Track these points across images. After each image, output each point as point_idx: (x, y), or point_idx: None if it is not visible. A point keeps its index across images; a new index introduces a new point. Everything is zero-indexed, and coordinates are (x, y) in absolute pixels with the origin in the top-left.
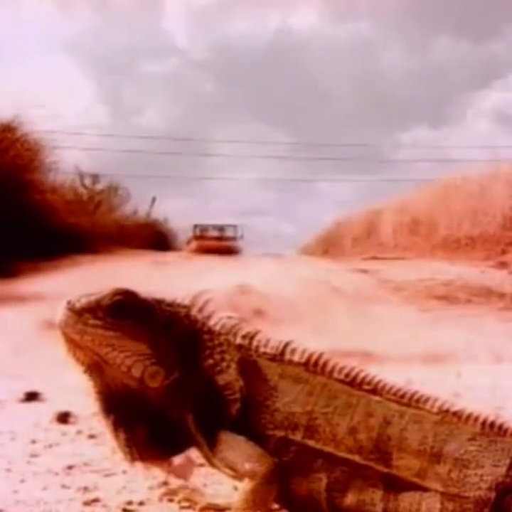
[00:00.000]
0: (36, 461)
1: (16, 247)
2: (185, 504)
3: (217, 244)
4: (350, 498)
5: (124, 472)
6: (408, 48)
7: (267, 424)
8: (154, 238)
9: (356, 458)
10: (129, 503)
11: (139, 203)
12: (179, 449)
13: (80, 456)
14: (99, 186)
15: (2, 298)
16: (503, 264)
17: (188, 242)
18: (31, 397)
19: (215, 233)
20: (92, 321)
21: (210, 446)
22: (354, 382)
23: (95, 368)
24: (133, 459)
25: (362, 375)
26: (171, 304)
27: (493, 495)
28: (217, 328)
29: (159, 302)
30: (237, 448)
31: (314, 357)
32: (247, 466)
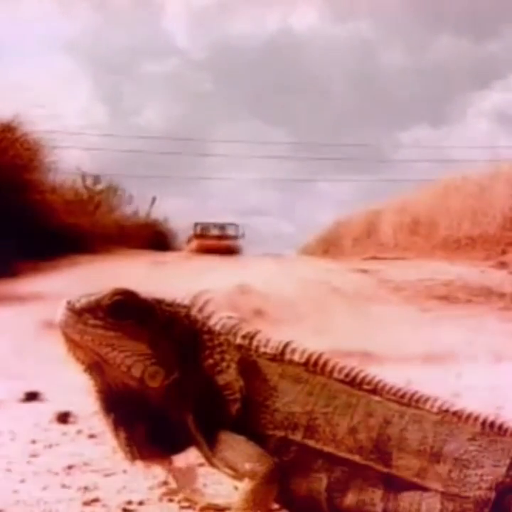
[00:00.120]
0: (36, 461)
1: (16, 247)
2: (185, 504)
3: (219, 243)
4: (350, 498)
5: (124, 472)
6: (408, 48)
7: (267, 424)
8: (154, 238)
9: (356, 458)
10: (129, 503)
11: (139, 203)
12: (179, 448)
13: (80, 456)
14: (99, 186)
15: (2, 298)
16: (503, 264)
17: (189, 241)
18: (31, 397)
19: (216, 232)
20: (92, 321)
21: (210, 446)
22: (354, 382)
23: (96, 367)
24: (133, 458)
25: (362, 375)
26: (170, 304)
27: (493, 495)
28: (217, 328)
29: (159, 302)
30: (237, 448)
31: (314, 357)
32: (247, 466)
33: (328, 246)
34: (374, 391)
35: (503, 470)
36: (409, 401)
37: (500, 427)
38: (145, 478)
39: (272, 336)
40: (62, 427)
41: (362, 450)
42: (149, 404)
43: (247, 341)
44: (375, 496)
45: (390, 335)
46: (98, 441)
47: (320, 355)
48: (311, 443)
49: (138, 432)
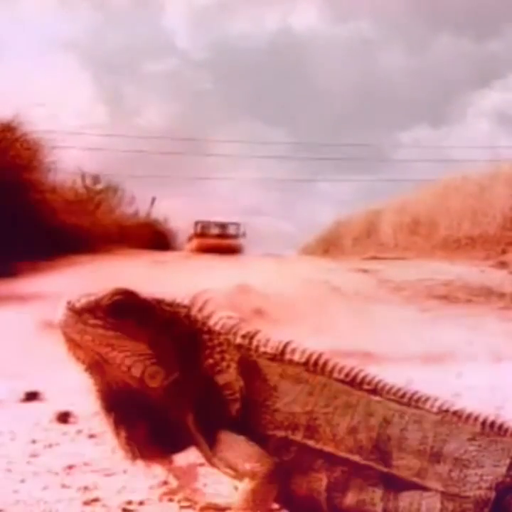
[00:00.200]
0: (36, 461)
1: (16, 247)
2: (185, 504)
3: (219, 242)
4: (350, 498)
5: (124, 472)
6: (408, 48)
7: (267, 424)
8: (154, 238)
9: (356, 458)
10: (129, 502)
11: (139, 203)
12: (180, 447)
13: (80, 456)
14: (99, 186)
15: (2, 298)
16: (503, 264)
17: (189, 240)
18: (31, 397)
19: (216, 231)
20: (91, 321)
21: (211, 446)
22: (354, 382)
23: (96, 367)
24: (134, 457)
25: (362, 375)
26: (170, 304)
27: (493, 495)
28: (217, 328)
29: (159, 302)
30: (237, 448)
31: (314, 357)
32: (248, 466)
33: (328, 246)
34: (374, 391)
35: (503, 470)
36: (409, 401)
37: (500, 427)
38: (145, 478)
39: (271, 335)
40: (62, 427)
41: (362, 450)
42: (150, 403)
43: (247, 341)
44: (375, 495)
45: (390, 335)
46: (98, 441)
47: (320, 355)
48: (311, 443)
49: (138, 432)
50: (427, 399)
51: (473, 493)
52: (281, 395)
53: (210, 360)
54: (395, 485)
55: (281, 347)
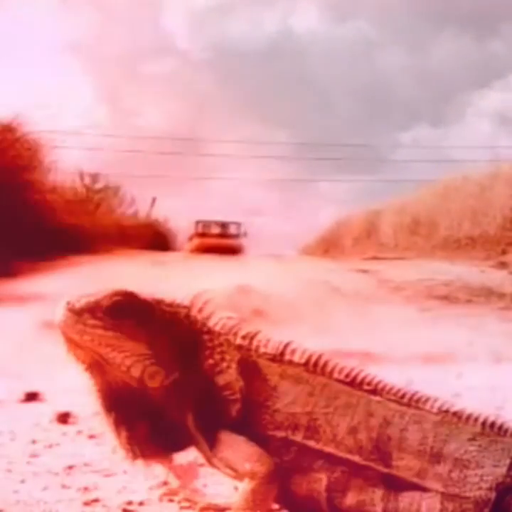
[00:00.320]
0: (36, 461)
1: (16, 247)
2: (185, 504)
3: (221, 241)
4: (350, 498)
5: (124, 472)
6: (408, 48)
7: (267, 424)
8: (154, 238)
9: (356, 458)
10: (129, 503)
11: (139, 203)
12: (180, 446)
13: (80, 456)
14: (99, 185)
15: (2, 298)
16: (503, 264)
17: (190, 239)
18: (31, 397)
19: (217, 230)
20: (91, 321)
21: (210, 446)
22: (354, 383)
23: (96, 367)
24: (134, 457)
25: (362, 375)
26: (170, 304)
27: (493, 495)
28: (217, 328)
29: (159, 302)
30: (237, 448)
31: (314, 357)
32: (248, 466)
33: (328, 246)
34: (374, 391)
35: (503, 470)
36: (409, 401)
37: (500, 427)
38: (145, 479)
39: (272, 336)
40: (63, 427)
41: (362, 450)
42: (150, 403)
43: (247, 341)
44: (375, 496)
45: (390, 335)
46: (98, 441)
47: (320, 356)
48: (311, 443)
49: (139, 431)
50: (427, 399)
51: (474, 493)
52: (281, 395)
53: (210, 361)
54: (395, 485)
55: (281, 347)
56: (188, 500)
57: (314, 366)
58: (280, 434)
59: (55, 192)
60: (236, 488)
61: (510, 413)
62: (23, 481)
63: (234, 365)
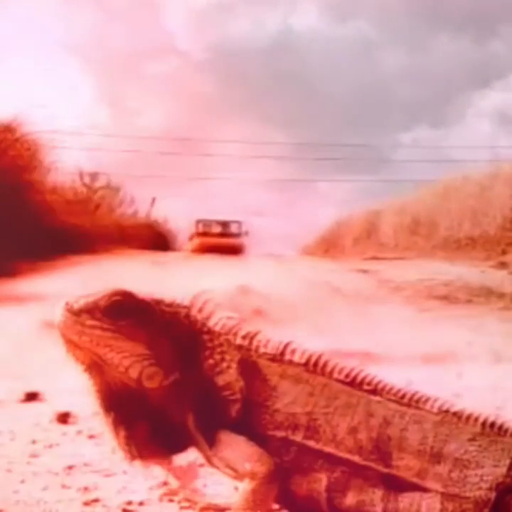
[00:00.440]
0: (36, 461)
1: (16, 247)
2: (185, 504)
3: (222, 241)
4: (350, 499)
5: (124, 472)
6: (408, 48)
7: (267, 424)
8: (154, 238)
9: (356, 458)
10: (129, 503)
11: (139, 203)
12: (179, 447)
13: (80, 456)
14: (98, 184)
15: (2, 298)
16: (503, 264)
17: (191, 239)
18: (31, 397)
19: (218, 229)
20: (89, 322)
21: (211, 447)
22: (354, 383)
23: (95, 367)
24: (133, 458)
25: (362, 375)
26: (170, 305)
27: (493, 495)
28: (218, 328)
29: (158, 302)
30: (237, 448)
31: (314, 357)
32: (248, 466)
33: (328, 246)
34: (374, 391)
35: (503, 470)
36: (409, 401)
37: (500, 427)
38: (145, 479)
39: (272, 336)
40: (62, 427)
41: (362, 450)
42: (149, 404)
43: (247, 341)
44: (375, 496)
45: (390, 335)
46: (98, 441)
47: (320, 356)
48: (311, 443)
49: (138, 432)
50: (427, 399)
51: (474, 493)
52: (281, 395)
53: (211, 361)
54: (395, 485)
55: (281, 347)
56: (188, 500)
57: (314, 366)
58: (280, 434)
59: (55, 192)
60: (236, 488)
61: (510, 413)
62: (23, 481)
63: (234, 365)
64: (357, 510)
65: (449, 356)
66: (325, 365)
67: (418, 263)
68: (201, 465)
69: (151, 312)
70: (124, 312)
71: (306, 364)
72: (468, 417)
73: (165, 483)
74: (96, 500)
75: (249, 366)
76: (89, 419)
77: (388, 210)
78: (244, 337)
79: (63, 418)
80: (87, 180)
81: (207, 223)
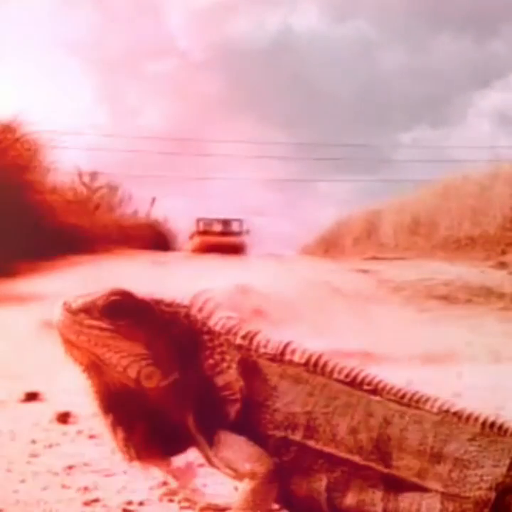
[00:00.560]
0: (36, 461)
1: (16, 247)
2: (185, 504)
3: (223, 239)
4: (350, 499)
5: (124, 472)
6: (408, 48)
7: (267, 424)
8: (154, 238)
9: (356, 458)
10: (129, 503)
11: (139, 203)
12: (178, 449)
13: (80, 456)
14: (98, 184)
15: (2, 298)
16: (503, 264)
17: (191, 237)
18: (31, 397)
19: (219, 228)
20: (87, 322)
21: (210, 446)
22: (354, 383)
23: (93, 367)
24: (131, 459)
25: (362, 375)
26: (170, 304)
27: (493, 495)
28: (218, 328)
29: (158, 302)
30: (237, 448)
31: (314, 357)
32: (247, 466)
33: (328, 246)
34: (374, 391)
35: (503, 470)
36: (409, 401)
37: (500, 427)
38: (145, 479)
39: (272, 336)
40: (63, 427)
41: (362, 450)
42: (148, 404)
43: (247, 341)
44: (375, 496)
45: (390, 335)
46: (98, 441)
47: (320, 356)
48: (311, 443)
49: (136, 433)
50: (427, 399)
51: (474, 493)
52: (281, 395)
53: (211, 361)
54: (395, 485)
55: (281, 347)
56: (188, 500)
57: (314, 366)
58: (280, 433)
59: (55, 192)
60: (236, 488)
61: (510, 413)
62: (23, 481)
63: (234, 365)
64: (357, 510)
65: (449, 356)
66: (325, 365)
67: (418, 263)
68: (201, 465)
69: (149, 312)
70: (123, 312)
71: (306, 364)
72: (468, 417)
73: (165, 483)
74: (96, 500)
75: (249, 366)
76: (89, 419)
77: (388, 210)
78: (244, 337)
79: (63, 418)
80: (86, 179)
81: (208, 222)
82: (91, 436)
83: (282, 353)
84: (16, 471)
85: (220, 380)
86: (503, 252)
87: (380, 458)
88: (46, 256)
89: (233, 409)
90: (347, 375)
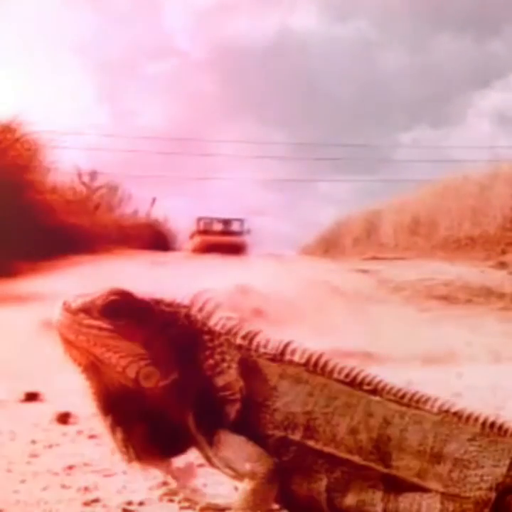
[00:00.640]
0: (36, 461)
1: (16, 247)
2: (185, 504)
3: (223, 239)
4: (350, 499)
5: (124, 472)
6: (408, 48)
7: (267, 424)
8: (154, 238)
9: (356, 458)
10: (129, 503)
11: (139, 203)
12: (178, 450)
13: (80, 456)
14: (97, 183)
15: (2, 298)
16: (503, 264)
17: (191, 237)
18: (31, 397)
19: (220, 227)
20: (86, 321)
21: (211, 446)
22: (354, 383)
23: (92, 368)
24: (130, 460)
25: (362, 375)
26: (170, 304)
27: (493, 495)
28: (218, 328)
29: (158, 302)
30: (237, 448)
31: (314, 357)
32: (247, 466)
33: (328, 246)
34: (374, 391)
35: (503, 470)
36: (409, 401)
37: (500, 427)
38: (145, 479)
39: (272, 336)
40: (63, 428)
41: (362, 450)
42: (148, 404)
43: (247, 342)
44: (375, 496)
45: (390, 335)
46: (98, 441)
47: (320, 356)
48: (311, 443)
49: (136, 434)
50: (427, 399)
51: (474, 493)
52: (281, 395)
53: (211, 361)
54: (395, 485)
55: (281, 347)
56: (188, 500)
57: (314, 366)
58: (279, 433)
59: (55, 192)
60: (236, 488)
61: (510, 413)
62: (23, 481)
63: (234, 366)
64: (357, 510)
65: (449, 356)
66: (325, 365)
67: (418, 263)
68: (201, 465)
69: (149, 312)
70: (122, 312)
71: (306, 364)
72: (468, 417)
73: (165, 483)
74: (96, 500)
75: (249, 366)
76: (89, 419)
77: (388, 210)
78: (244, 337)
79: (63, 418)
80: (86, 179)
81: (208, 221)
82: (91, 437)
83: (282, 353)
84: (16, 471)
85: (220, 380)
86: (503, 252)
87: (379, 458)
88: (46, 256)
89: (233, 409)
90: (347, 375)
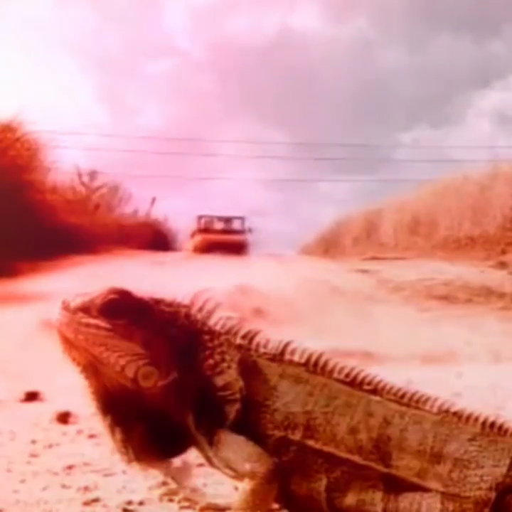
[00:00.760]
0: (36, 461)
1: (16, 247)
2: (185, 504)
3: (224, 237)
4: (350, 498)
5: (124, 472)
6: (408, 48)
7: (266, 424)
8: (154, 238)
9: (356, 458)
10: (129, 503)
11: (139, 202)
12: (177, 450)
13: (80, 456)
14: (97, 183)
15: (2, 298)
16: (503, 264)
17: (192, 236)
18: (31, 397)
19: (221, 225)
20: (85, 320)
21: (210, 446)
22: (354, 383)
23: (90, 367)
24: (129, 460)
25: (362, 375)
26: (170, 304)
27: (493, 495)
28: (218, 328)
29: (158, 302)
30: (237, 448)
31: (314, 357)
32: (247, 466)
33: (328, 246)
34: (374, 391)
35: (503, 470)
36: (409, 401)
37: (500, 427)
38: (145, 479)
39: (272, 336)
40: (62, 427)
41: (362, 450)
42: (147, 404)
43: (247, 341)
44: (375, 496)
45: (390, 335)
46: (98, 441)
47: (320, 355)
48: (310, 443)
49: (135, 434)
50: (427, 399)
51: (474, 493)
52: (281, 394)
53: (211, 361)
54: (395, 485)
55: (281, 347)
56: (188, 500)
57: (314, 366)
58: (279, 433)
59: (55, 192)
60: (236, 488)
61: (510, 413)
62: (23, 481)
63: (234, 365)
64: (357, 510)
65: (449, 356)
66: (325, 364)
67: (418, 263)
68: (201, 465)
69: (148, 311)
70: (121, 311)
71: (306, 364)
72: (468, 417)
73: (165, 483)
74: (96, 500)
75: (249, 366)
76: (89, 419)
77: (388, 210)
78: (244, 337)
79: (63, 418)
80: (86, 179)
81: (209, 219)
82: (91, 436)
83: (282, 353)
84: (16, 471)
85: (219, 380)
86: (503, 252)
87: (379, 458)
88: (46, 256)
89: (233, 409)
90: (347, 375)
